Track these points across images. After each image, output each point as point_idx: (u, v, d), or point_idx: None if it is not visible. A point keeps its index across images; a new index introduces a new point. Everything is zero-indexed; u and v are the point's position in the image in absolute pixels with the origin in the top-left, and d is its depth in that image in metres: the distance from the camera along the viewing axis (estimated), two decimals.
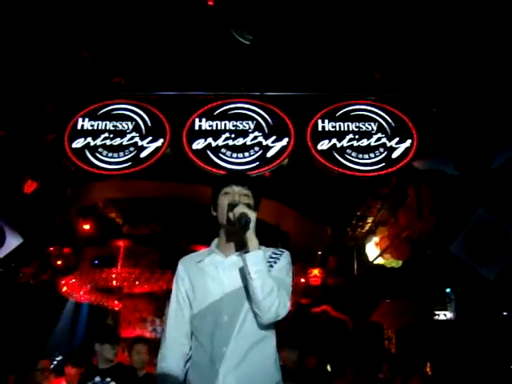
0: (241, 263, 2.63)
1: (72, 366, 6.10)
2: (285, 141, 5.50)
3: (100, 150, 5.54)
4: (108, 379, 4.60)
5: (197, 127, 5.64)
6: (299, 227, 10.50)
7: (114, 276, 10.75)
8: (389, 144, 5.50)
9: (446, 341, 11.13)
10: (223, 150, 5.49)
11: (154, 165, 5.51)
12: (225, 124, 5.65)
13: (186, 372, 2.70)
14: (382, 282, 10.07)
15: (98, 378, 4.61)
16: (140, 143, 5.56)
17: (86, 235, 10.19)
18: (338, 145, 5.50)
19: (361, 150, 5.48)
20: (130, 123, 5.68)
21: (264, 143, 5.51)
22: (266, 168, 5.39)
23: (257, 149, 5.48)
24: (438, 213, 6.47)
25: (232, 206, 2.61)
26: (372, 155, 5.45)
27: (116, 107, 5.81)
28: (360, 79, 5.91)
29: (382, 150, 5.48)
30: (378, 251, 8.62)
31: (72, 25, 5.42)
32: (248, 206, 2.66)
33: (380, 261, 8.75)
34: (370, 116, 5.70)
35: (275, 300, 2.51)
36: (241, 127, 5.62)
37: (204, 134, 5.59)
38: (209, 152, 5.48)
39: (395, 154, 5.46)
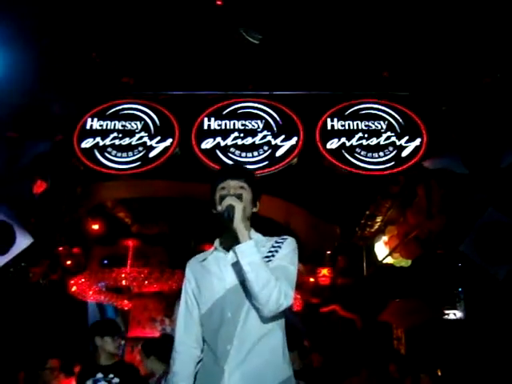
0: None
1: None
2: (294, 140, 5.48)
3: (109, 149, 5.54)
4: (111, 375, 4.45)
5: (206, 127, 5.63)
6: (308, 226, 10.47)
7: (123, 276, 10.74)
8: (398, 143, 5.47)
9: (455, 340, 11.09)
10: (232, 150, 5.48)
11: (163, 164, 5.51)
12: (234, 123, 5.64)
13: (196, 373, 2.67)
14: (391, 282, 10.04)
15: (100, 375, 4.46)
16: (149, 143, 5.55)
17: (95, 235, 10.21)
18: (348, 144, 5.47)
19: (370, 148, 5.46)
20: (138, 123, 5.68)
21: (273, 142, 5.49)
22: (275, 167, 5.37)
23: (266, 148, 5.46)
24: (448, 212, 6.43)
25: (221, 199, 2.57)
26: (381, 154, 5.42)
27: (125, 107, 5.82)
28: (369, 78, 5.88)
29: (391, 148, 5.45)
30: (387, 250, 8.59)
31: (81, 25, 5.41)
32: (239, 197, 2.58)
33: (389, 260, 8.72)
34: (380, 115, 5.67)
35: (273, 291, 2.40)
36: (250, 126, 5.60)
37: (213, 133, 5.58)
38: (218, 151, 5.47)
39: (405, 153, 5.42)
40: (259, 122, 5.63)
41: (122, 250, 11.30)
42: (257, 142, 5.49)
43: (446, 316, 12.99)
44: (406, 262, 8.53)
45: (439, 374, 10.61)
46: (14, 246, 5.59)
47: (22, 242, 5.62)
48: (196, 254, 2.89)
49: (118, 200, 9.43)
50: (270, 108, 5.71)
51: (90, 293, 11.50)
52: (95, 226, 10.04)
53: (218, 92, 5.90)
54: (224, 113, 5.72)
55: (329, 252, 11.97)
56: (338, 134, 5.55)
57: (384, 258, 8.75)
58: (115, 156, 5.51)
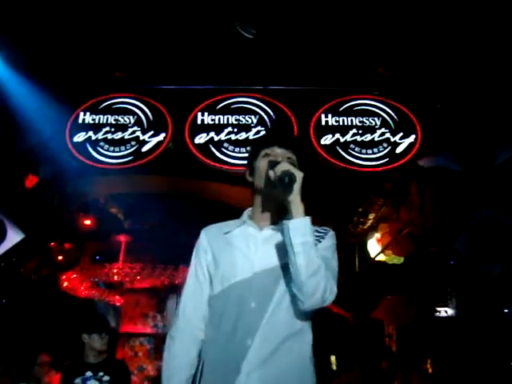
0: (278, 238, 2.20)
1: None
2: None
3: (101, 144, 5.50)
4: (101, 373, 4.33)
5: (199, 121, 5.59)
6: None
7: (115, 271, 10.73)
8: (392, 139, 5.44)
9: (446, 338, 11.10)
10: (226, 145, 5.43)
11: (156, 159, 5.46)
12: (227, 118, 5.60)
13: (201, 366, 2.23)
14: (383, 279, 10.03)
15: (89, 373, 4.32)
16: (142, 137, 5.51)
17: (87, 230, 10.15)
18: (342, 140, 5.44)
19: (364, 144, 5.42)
20: (131, 117, 5.64)
21: None
22: None
23: None
24: (441, 209, 6.41)
25: (273, 164, 2.16)
26: (376, 150, 5.40)
27: (118, 101, 5.77)
28: (364, 74, 5.85)
29: (385, 145, 5.42)
30: (379, 248, 8.57)
31: (73, 18, 5.35)
32: (295, 166, 2.22)
33: (381, 257, 8.70)
34: (374, 111, 5.64)
35: (321, 281, 2.04)
36: (243, 121, 5.56)
37: (206, 128, 5.54)
38: (211, 146, 5.43)
39: (399, 149, 5.40)
40: (253, 117, 5.59)
41: (114, 246, 11.26)
42: (250, 137, 5.45)
43: (438, 313, 12.99)
44: (398, 260, 8.51)
45: (430, 370, 10.63)
46: (5, 241, 5.54)
47: (13, 237, 5.57)
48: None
49: (111, 195, 9.38)
50: (263, 103, 5.66)
51: (82, 288, 11.47)
52: (87, 222, 9.98)
53: (212, 87, 5.86)
54: (218, 107, 5.68)
55: None
56: (332, 129, 5.51)
57: (376, 255, 8.73)
58: (108, 150, 5.47)
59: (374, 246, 8.74)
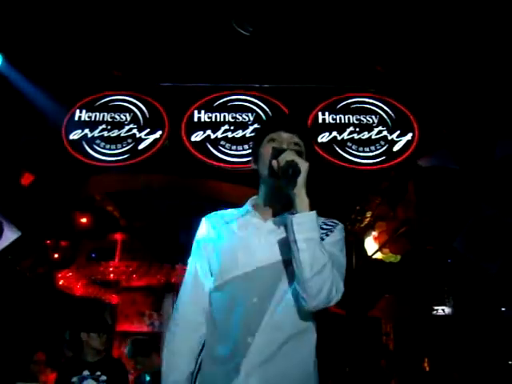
0: (283, 231, 2.06)
1: None
2: None
3: (97, 141, 5.50)
4: (98, 373, 4.30)
5: (196, 119, 5.60)
6: None
7: (111, 269, 10.72)
8: (390, 137, 5.46)
9: (444, 336, 11.13)
10: (222, 143, 5.44)
11: (152, 157, 5.47)
12: (224, 116, 5.60)
13: (199, 364, 2.12)
14: (380, 277, 10.04)
15: (86, 372, 4.29)
16: (138, 135, 5.51)
17: (83, 228, 10.13)
18: (339, 137, 5.45)
19: (361, 142, 5.43)
20: (127, 115, 5.64)
21: None
22: None
23: None
24: (438, 208, 6.43)
25: (277, 152, 2.00)
26: (373, 148, 5.41)
27: (114, 98, 5.78)
28: (361, 71, 5.86)
29: (382, 143, 5.44)
30: (376, 246, 8.58)
31: (69, 16, 5.35)
32: (300, 155, 2.03)
33: (379, 256, 8.71)
34: (371, 109, 5.65)
35: (327, 280, 1.89)
36: (240, 119, 5.57)
37: (203, 125, 5.54)
38: (208, 144, 5.43)
39: (396, 148, 5.41)
40: (250, 114, 5.59)
41: (110, 244, 11.25)
42: (247, 135, 5.46)
43: (435, 312, 13.02)
44: (395, 258, 8.53)
45: (427, 369, 10.66)
46: (1, 239, 5.54)
47: (10, 235, 5.57)
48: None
49: (107, 193, 9.37)
50: (260, 101, 5.67)
51: (78, 286, 11.45)
52: (83, 220, 9.96)
53: (209, 84, 5.87)
54: (214, 105, 5.69)
55: None
56: (329, 127, 5.52)
57: (374, 254, 8.74)
58: (104, 148, 5.47)
59: (371, 244, 8.75)
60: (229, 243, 2.14)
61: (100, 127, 5.56)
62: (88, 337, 4.46)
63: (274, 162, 1.97)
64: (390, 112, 5.62)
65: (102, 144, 5.48)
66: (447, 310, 12.94)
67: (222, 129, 5.51)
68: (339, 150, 5.39)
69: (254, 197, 2.29)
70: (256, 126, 5.50)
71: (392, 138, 5.45)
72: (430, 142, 5.68)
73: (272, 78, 5.84)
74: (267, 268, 2.05)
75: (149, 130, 5.53)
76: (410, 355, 11.34)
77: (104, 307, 12.09)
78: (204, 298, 2.17)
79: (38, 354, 6.15)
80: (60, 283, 11.03)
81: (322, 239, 2.03)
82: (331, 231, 2.16)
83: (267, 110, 5.60)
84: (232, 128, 5.52)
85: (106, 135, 5.52)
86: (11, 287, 8.95)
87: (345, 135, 5.46)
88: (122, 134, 5.52)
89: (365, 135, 5.47)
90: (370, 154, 5.39)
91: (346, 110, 5.65)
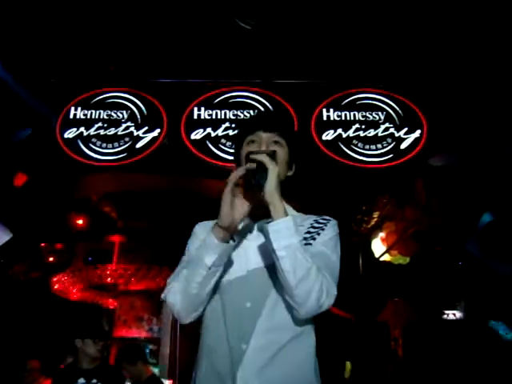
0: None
1: None
2: None
3: (93, 140, 5.50)
4: (94, 381, 4.30)
5: (195, 116, 5.60)
6: None
7: (108, 273, 10.70)
8: (397, 134, 5.45)
9: (455, 342, 11.11)
10: (223, 141, 5.44)
11: (151, 156, 5.46)
12: (225, 113, 5.60)
13: (195, 373, 2.12)
14: (388, 280, 10.04)
15: (82, 380, 4.29)
16: (136, 133, 5.51)
17: (79, 230, 10.14)
18: (344, 135, 5.44)
19: (368, 140, 5.43)
20: (124, 112, 5.64)
21: None
22: None
23: None
24: (448, 207, 6.42)
25: (248, 158, 2.01)
26: (379, 146, 5.40)
27: (110, 95, 5.78)
28: (367, 66, 5.85)
29: (389, 140, 5.43)
30: (384, 247, 8.57)
31: (64, 10, 5.35)
32: (272, 156, 2.01)
33: (386, 257, 8.71)
34: (378, 105, 5.65)
35: (314, 285, 1.88)
36: (242, 116, 5.57)
37: (203, 123, 5.55)
38: (208, 142, 5.44)
39: (404, 145, 5.40)
40: (251, 111, 5.60)
41: (108, 246, 11.24)
42: None
43: (445, 316, 13.01)
44: (404, 260, 8.53)
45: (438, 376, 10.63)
46: None
47: (1, 237, 5.58)
48: (183, 250, 2.34)
49: (104, 194, 9.38)
50: (262, 97, 5.67)
51: (74, 291, 11.45)
52: (79, 221, 9.96)
53: (209, 80, 5.87)
54: (215, 102, 5.70)
55: None
56: (334, 124, 5.52)
57: (381, 255, 8.74)
58: (100, 147, 5.47)
59: (378, 246, 8.75)
60: None
61: (96, 125, 5.56)
62: (83, 343, 4.46)
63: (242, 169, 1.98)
64: (398, 108, 5.61)
65: (99, 143, 5.48)
66: (458, 314, 12.93)
67: (223, 126, 5.51)
68: (344, 148, 5.39)
69: None
70: None
71: (399, 136, 5.44)
72: (440, 139, 5.66)
73: (275, 73, 5.83)
74: (260, 271, 2.08)
75: (147, 127, 5.53)
76: (419, 362, 11.32)
77: (100, 312, 12.10)
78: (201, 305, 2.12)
79: (31, 361, 6.16)
80: (55, 287, 11.04)
81: (314, 238, 2.11)
82: (322, 229, 2.17)
83: (269, 106, 5.60)
84: (233, 126, 5.51)
85: (102, 133, 5.53)
86: (4, 292, 8.96)
87: (350, 133, 5.46)
88: (118, 133, 5.52)
89: (371, 132, 5.46)
90: (377, 151, 5.38)
91: (352, 107, 5.65)
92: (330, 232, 2.18)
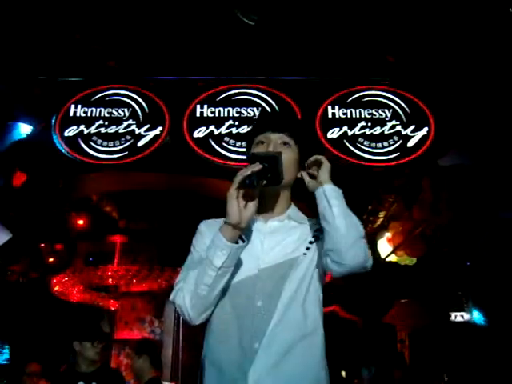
0: (285, 230, 2.19)
1: None
2: None
3: (94, 138, 5.49)
4: None
5: (198, 114, 5.59)
6: None
7: (109, 274, 10.71)
8: (404, 132, 5.43)
9: (462, 344, 11.10)
10: (226, 139, 5.43)
11: (153, 154, 5.45)
12: (228, 111, 5.60)
13: (203, 372, 2.10)
14: (394, 281, 10.03)
15: (81, 383, 4.25)
16: (137, 131, 5.50)
17: (80, 230, 10.15)
18: (350, 133, 5.43)
19: (374, 138, 5.42)
20: (126, 110, 5.64)
21: None
22: None
23: None
24: (455, 207, 6.41)
25: (253, 159, 2.03)
26: (386, 144, 5.39)
27: (111, 93, 5.77)
28: (373, 63, 5.84)
29: (396, 138, 5.42)
30: (390, 248, 8.56)
31: (64, 4, 5.35)
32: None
33: (393, 258, 8.70)
34: (384, 102, 5.63)
35: (363, 236, 2.02)
36: (245, 114, 5.56)
37: (206, 121, 5.53)
38: (211, 141, 5.42)
39: (411, 143, 5.38)
40: (255, 109, 5.59)
41: (109, 247, 11.25)
42: None
43: (453, 318, 13.00)
44: (410, 261, 8.52)
45: (445, 379, 10.63)
46: None
47: (0, 237, 5.58)
48: (186, 250, 2.32)
49: (105, 193, 9.38)
50: (266, 94, 5.66)
51: (74, 292, 11.46)
52: (80, 221, 9.98)
53: (212, 77, 5.86)
54: (218, 99, 5.68)
55: None
56: (339, 122, 5.51)
57: (387, 256, 8.73)
58: (101, 145, 5.45)
59: (384, 246, 8.74)
60: None
61: (97, 123, 5.55)
62: (81, 346, 4.41)
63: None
64: (404, 105, 5.60)
65: (99, 141, 5.47)
66: (466, 316, 12.92)
67: (226, 124, 5.50)
68: (350, 146, 5.38)
69: None
70: None
71: (406, 133, 5.43)
72: (447, 136, 5.65)
73: (279, 70, 5.83)
74: (271, 270, 2.10)
75: (148, 125, 5.53)
76: (426, 365, 11.32)
77: (99, 314, 12.10)
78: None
79: (31, 364, 6.15)
80: (55, 289, 11.05)
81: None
82: None
83: (273, 104, 5.59)
84: (237, 123, 5.50)
85: (103, 132, 5.52)
86: (3, 293, 8.98)
87: (356, 130, 5.45)
88: (120, 131, 5.52)
89: (377, 130, 5.45)
90: (383, 150, 5.37)
91: (358, 104, 5.64)
92: None
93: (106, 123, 5.56)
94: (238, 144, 5.37)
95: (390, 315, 11.56)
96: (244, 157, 5.24)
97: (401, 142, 5.41)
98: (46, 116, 5.69)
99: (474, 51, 5.42)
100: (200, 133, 5.46)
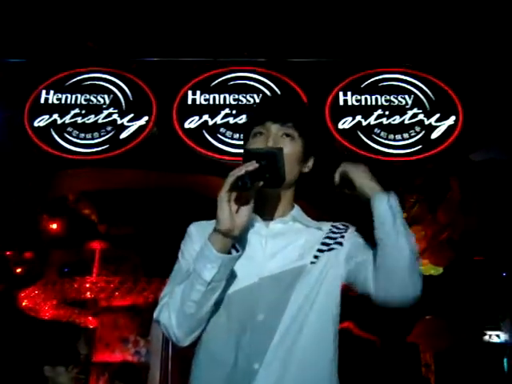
0: (289, 233, 2.14)
1: None
2: None
3: (69, 129, 5.53)
4: None
5: (190, 101, 5.65)
6: None
7: (87, 286, 10.71)
8: (427, 121, 5.47)
9: (498, 368, 11.10)
10: (222, 130, 5.48)
11: (137, 148, 5.50)
12: (224, 97, 5.65)
13: None
14: None
15: None
16: (119, 121, 5.55)
17: (53, 236, 10.18)
18: (364, 123, 5.47)
19: (392, 128, 5.46)
20: (106, 96, 5.68)
21: None
22: None
23: None
24: (488, 209, 6.45)
25: (249, 155, 1.94)
26: (406, 135, 5.42)
27: (89, 76, 5.82)
28: (390, 42, 5.86)
29: (418, 128, 5.46)
30: None
31: None
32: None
33: None
34: (404, 87, 5.67)
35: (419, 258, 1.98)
36: (244, 101, 5.60)
37: (199, 109, 5.59)
38: (205, 132, 5.48)
39: (435, 134, 5.42)
40: (255, 95, 5.63)
41: (87, 255, 11.26)
42: None
43: (487, 338, 12.99)
44: (435, 270, 8.56)
45: None
46: None
47: None
48: (176, 258, 2.25)
49: (82, 193, 9.42)
50: (268, 78, 5.70)
51: (46, 308, 11.46)
52: (53, 226, 10.00)
53: (205, 59, 5.90)
54: (212, 84, 5.74)
55: None
56: (352, 110, 5.56)
57: None
58: (77, 137, 5.49)
59: None
60: None
61: (72, 112, 5.59)
62: (53, 371, 4.40)
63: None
64: (428, 91, 5.63)
65: (75, 132, 5.50)
66: (503, 335, 12.90)
67: (222, 113, 5.55)
68: (364, 138, 5.42)
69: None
70: None
71: (430, 123, 5.46)
72: (478, 127, 5.67)
73: (282, 51, 5.86)
74: (275, 279, 2.03)
75: (133, 115, 5.57)
76: None
77: (75, 333, 12.14)
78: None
79: None
80: (23, 304, 11.06)
81: (339, 243, 2.13)
82: (345, 232, 2.20)
83: (276, 89, 5.63)
84: (234, 112, 5.55)
85: (79, 122, 5.55)
86: None
87: (371, 120, 5.49)
88: (99, 121, 5.56)
89: (396, 120, 5.49)
90: (403, 142, 5.41)
91: (374, 89, 5.68)
92: (358, 235, 2.20)
93: (83, 112, 5.60)
94: (236, 136, 5.41)
95: (413, 334, 11.57)
96: (241, 150, 5.31)
97: (423, 133, 5.44)
98: (13, 103, 5.72)
99: (508, 31, 5.46)
100: (192, 123, 5.50)
